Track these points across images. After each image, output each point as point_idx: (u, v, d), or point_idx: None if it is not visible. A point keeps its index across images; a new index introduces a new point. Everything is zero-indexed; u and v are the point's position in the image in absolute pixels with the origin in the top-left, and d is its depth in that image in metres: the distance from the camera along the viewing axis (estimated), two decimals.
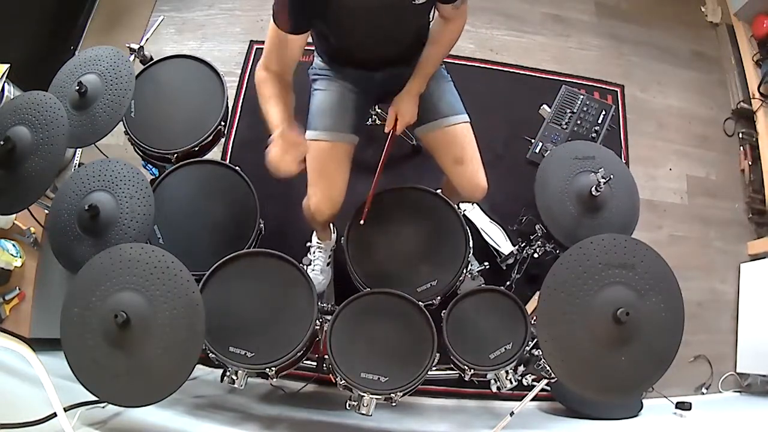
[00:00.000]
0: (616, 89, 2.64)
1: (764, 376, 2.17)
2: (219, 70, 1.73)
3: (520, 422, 1.62)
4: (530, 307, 1.72)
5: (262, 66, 1.33)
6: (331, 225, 2.00)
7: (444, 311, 1.52)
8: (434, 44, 1.46)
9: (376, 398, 1.40)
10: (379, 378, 1.38)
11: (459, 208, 1.63)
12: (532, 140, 2.41)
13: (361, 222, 1.51)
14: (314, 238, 2.01)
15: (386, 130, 1.50)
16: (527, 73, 2.62)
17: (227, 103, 1.70)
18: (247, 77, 2.47)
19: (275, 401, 1.88)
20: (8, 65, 1.74)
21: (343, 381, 1.38)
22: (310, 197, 1.52)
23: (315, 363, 1.62)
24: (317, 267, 1.98)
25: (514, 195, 2.22)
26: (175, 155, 1.65)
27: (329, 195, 1.51)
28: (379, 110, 2.04)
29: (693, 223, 2.49)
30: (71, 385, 1.16)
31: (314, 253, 1.99)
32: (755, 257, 2.41)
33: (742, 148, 2.62)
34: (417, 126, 1.56)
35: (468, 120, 1.56)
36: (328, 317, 1.49)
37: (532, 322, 1.46)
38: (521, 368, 1.54)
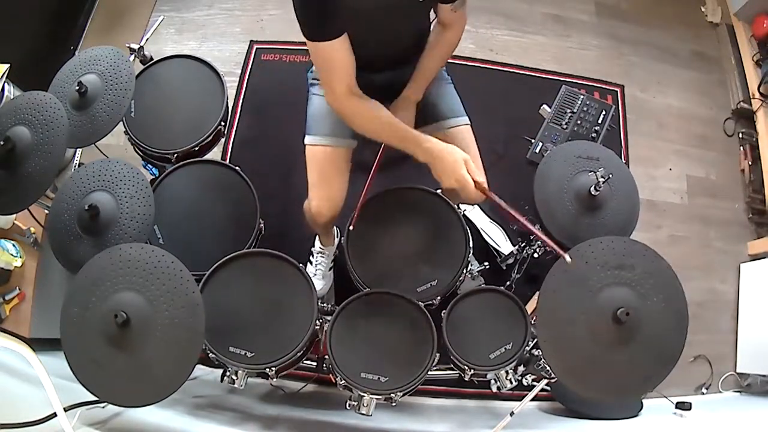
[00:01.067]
0: (616, 89, 2.63)
1: (764, 376, 2.17)
2: (219, 70, 1.72)
3: (520, 422, 1.62)
4: (530, 307, 1.72)
5: (337, 92, 1.29)
6: (335, 229, 2.01)
7: (444, 311, 1.51)
8: (432, 52, 1.44)
9: (376, 398, 1.40)
10: (379, 378, 1.38)
11: (459, 208, 1.63)
12: (532, 140, 2.41)
13: (350, 228, 1.51)
14: (317, 244, 2.00)
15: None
16: (527, 73, 2.61)
17: (227, 103, 1.70)
18: (247, 77, 2.47)
19: (275, 401, 1.88)
20: (8, 65, 1.74)
21: (343, 381, 1.38)
22: (310, 200, 1.53)
23: (315, 363, 1.62)
24: (319, 272, 1.98)
25: (514, 195, 2.19)
26: (175, 155, 1.65)
27: (329, 198, 1.52)
28: None
29: (693, 223, 2.49)
30: (71, 385, 1.16)
31: (317, 258, 1.99)
32: (755, 257, 2.41)
33: (742, 148, 2.62)
34: (417, 128, 1.56)
35: (468, 122, 1.56)
36: (328, 317, 1.49)
37: (532, 322, 1.46)
38: (521, 368, 1.54)
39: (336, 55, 1.25)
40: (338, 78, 1.28)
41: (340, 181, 1.54)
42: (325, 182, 1.52)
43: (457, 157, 1.23)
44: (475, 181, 1.22)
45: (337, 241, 2.02)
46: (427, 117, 1.53)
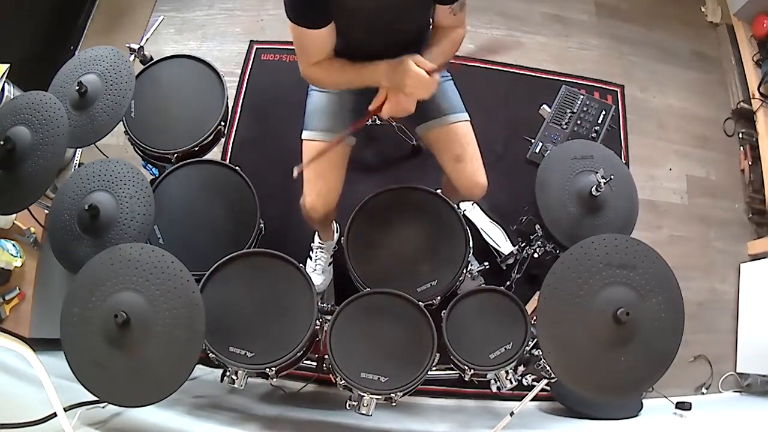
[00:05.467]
0: (616, 89, 2.63)
1: (764, 376, 2.17)
2: (219, 70, 1.72)
3: (520, 422, 1.62)
4: (530, 307, 1.72)
5: (306, 64, 1.34)
6: (334, 224, 2.01)
7: (444, 311, 1.51)
8: (432, 55, 1.37)
9: (376, 398, 1.40)
10: (379, 378, 1.38)
11: (459, 208, 1.63)
12: (532, 140, 2.41)
13: (294, 175, 1.31)
14: (316, 239, 2.01)
15: (370, 107, 1.36)
16: (527, 73, 2.61)
17: (227, 103, 1.70)
18: (247, 77, 2.47)
19: (275, 401, 1.88)
20: (8, 65, 1.74)
21: (343, 381, 1.38)
22: (305, 196, 1.53)
23: (315, 363, 1.62)
24: (319, 267, 1.99)
25: (514, 195, 2.22)
26: (175, 155, 1.65)
27: (324, 194, 1.52)
28: None
29: (693, 223, 2.49)
30: (71, 385, 1.16)
31: (316, 253, 2.00)
32: (755, 257, 2.41)
33: (742, 148, 2.62)
34: (418, 124, 1.56)
35: (468, 118, 1.56)
36: (328, 317, 1.49)
37: (532, 322, 1.46)
38: (521, 368, 1.54)
39: (315, 39, 1.27)
40: (313, 56, 1.32)
41: (335, 176, 1.54)
42: (319, 177, 1.52)
43: (410, 67, 1.24)
44: (428, 72, 1.25)
45: (336, 236, 2.03)
46: (428, 113, 1.53)
